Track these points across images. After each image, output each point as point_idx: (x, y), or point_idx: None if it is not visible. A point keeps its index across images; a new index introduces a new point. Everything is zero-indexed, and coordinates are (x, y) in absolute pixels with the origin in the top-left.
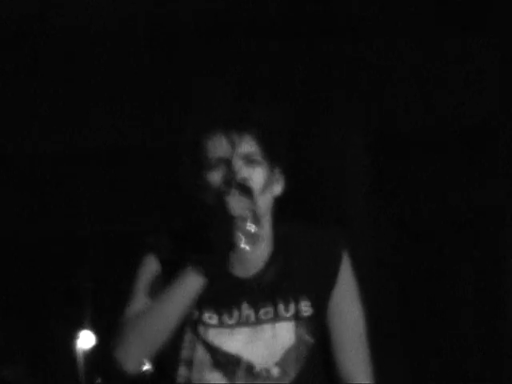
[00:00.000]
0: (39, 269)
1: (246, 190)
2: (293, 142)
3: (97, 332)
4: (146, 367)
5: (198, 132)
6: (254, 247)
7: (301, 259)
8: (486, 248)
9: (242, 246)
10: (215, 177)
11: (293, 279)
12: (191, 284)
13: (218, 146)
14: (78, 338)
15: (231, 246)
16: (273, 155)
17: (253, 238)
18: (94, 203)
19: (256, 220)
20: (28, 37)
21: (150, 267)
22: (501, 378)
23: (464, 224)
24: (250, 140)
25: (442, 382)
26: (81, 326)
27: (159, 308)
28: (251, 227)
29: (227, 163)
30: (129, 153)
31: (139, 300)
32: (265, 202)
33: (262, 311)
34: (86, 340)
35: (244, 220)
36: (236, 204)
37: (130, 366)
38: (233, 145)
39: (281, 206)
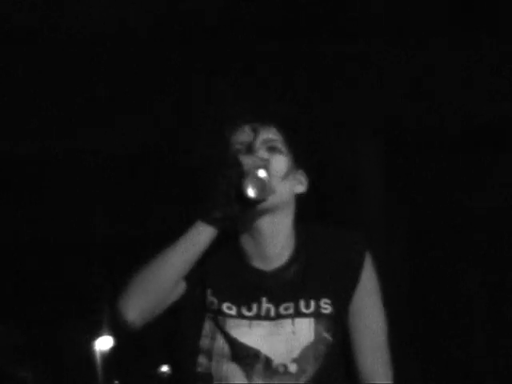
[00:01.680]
0: (58, 273)
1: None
2: (312, 143)
3: (115, 335)
4: (165, 369)
5: (224, 127)
6: (262, 195)
7: (323, 258)
8: (500, 249)
9: (250, 192)
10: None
11: (314, 277)
12: (197, 234)
13: (242, 134)
14: (96, 340)
15: (239, 193)
16: (294, 147)
17: (261, 185)
18: (112, 207)
19: (267, 180)
20: (30, 39)
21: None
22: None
23: (478, 226)
24: (272, 129)
25: (451, 382)
26: (99, 329)
27: (164, 257)
28: (261, 173)
29: (249, 147)
30: (141, 157)
31: None
32: (284, 192)
33: (282, 306)
34: (104, 342)
35: (254, 168)
36: (249, 160)
37: (130, 315)
38: (255, 131)
39: (302, 208)
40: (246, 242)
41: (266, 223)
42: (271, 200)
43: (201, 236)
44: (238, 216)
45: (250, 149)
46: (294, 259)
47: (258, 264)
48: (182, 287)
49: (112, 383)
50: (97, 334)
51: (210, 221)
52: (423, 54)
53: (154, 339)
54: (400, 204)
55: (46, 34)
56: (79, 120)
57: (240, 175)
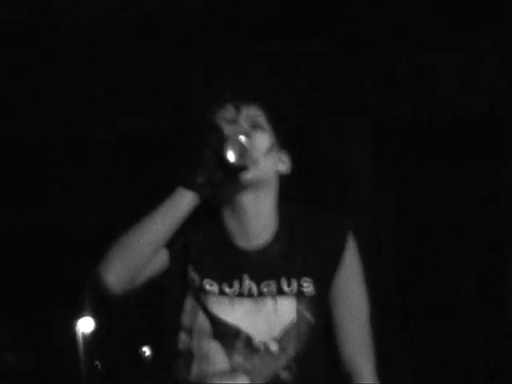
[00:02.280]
0: (41, 259)
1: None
2: (297, 126)
3: (96, 318)
4: (146, 349)
5: (210, 107)
6: (242, 161)
7: (306, 238)
8: (488, 243)
9: (229, 155)
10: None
11: (297, 257)
12: (178, 199)
13: (226, 112)
14: (78, 323)
15: (219, 157)
16: (277, 126)
17: (241, 150)
18: (91, 196)
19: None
20: (30, 37)
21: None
22: (503, 378)
23: (465, 218)
24: (255, 107)
25: (442, 376)
26: (81, 312)
27: (144, 222)
28: (242, 139)
29: (232, 121)
30: (134, 145)
31: None
32: (267, 168)
33: (263, 284)
34: (85, 324)
35: (235, 134)
36: (230, 127)
37: (110, 279)
38: (238, 108)
39: (286, 191)
40: (229, 219)
41: (248, 200)
42: (253, 173)
43: (181, 202)
44: (219, 183)
45: (233, 122)
46: (276, 238)
47: (240, 242)
48: (162, 260)
49: (93, 364)
50: (78, 316)
51: (191, 186)
52: (425, 48)
53: (135, 320)
54: (388, 189)
55: (45, 32)
56: (79, 117)
57: (221, 140)
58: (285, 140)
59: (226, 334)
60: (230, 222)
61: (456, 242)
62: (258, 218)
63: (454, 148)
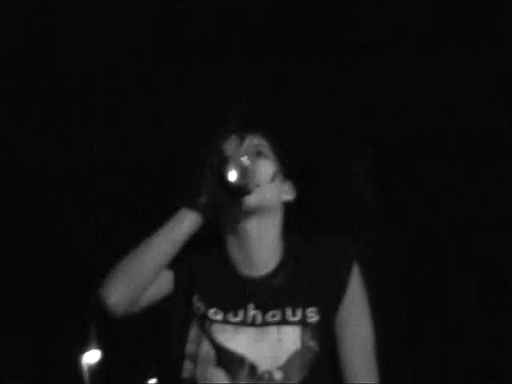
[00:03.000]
0: (48, 288)
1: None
2: (300, 152)
3: (102, 349)
4: (152, 382)
5: (213, 138)
6: (243, 181)
7: (311, 266)
8: (491, 257)
9: (230, 176)
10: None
11: (302, 285)
12: (181, 220)
13: (230, 144)
14: (84, 354)
15: (221, 177)
16: (281, 155)
17: (242, 171)
18: (103, 219)
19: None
20: (30, 45)
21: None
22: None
23: (468, 233)
24: (259, 137)
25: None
26: (87, 343)
27: (147, 242)
28: (244, 160)
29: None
30: (132, 167)
31: None
32: (271, 195)
33: (269, 313)
34: (92, 356)
35: (237, 154)
36: (233, 147)
37: (112, 299)
38: (242, 139)
39: (290, 217)
40: (234, 247)
41: (252, 227)
42: (257, 199)
43: (184, 223)
44: (222, 204)
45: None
46: (281, 267)
47: (245, 271)
48: (166, 283)
49: None
50: (85, 348)
51: (193, 207)
52: (426, 63)
53: (142, 352)
54: (391, 212)
55: (43, 37)
56: (74, 127)
57: (223, 160)
58: (289, 170)
59: (231, 363)
60: (235, 251)
61: (461, 262)
62: (262, 246)
63: (458, 167)
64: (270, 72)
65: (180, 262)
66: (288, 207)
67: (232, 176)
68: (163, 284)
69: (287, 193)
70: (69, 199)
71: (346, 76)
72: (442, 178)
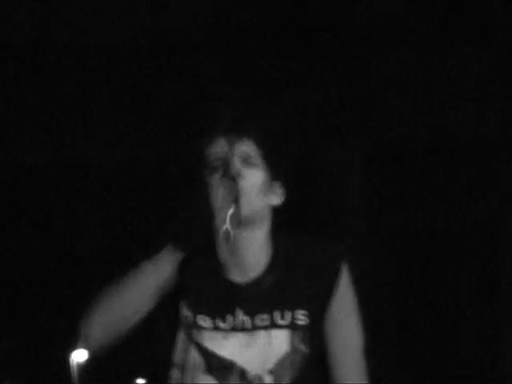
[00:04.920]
0: (37, 285)
1: (233, 180)
2: (297, 154)
3: (90, 350)
4: (141, 381)
5: (203, 139)
6: (237, 230)
7: (300, 269)
8: (484, 258)
9: (224, 229)
10: (217, 178)
11: (290, 288)
12: (166, 259)
13: (219, 148)
14: (72, 353)
15: (211, 226)
16: (272, 161)
17: (226, 237)
18: (95, 219)
19: (241, 210)
20: (29, 49)
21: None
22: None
23: (461, 235)
24: (249, 142)
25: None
26: (75, 342)
27: (128, 282)
28: (225, 227)
29: (225, 162)
30: (133, 167)
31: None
32: (259, 206)
33: (257, 317)
34: (80, 355)
35: (228, 205)
36: (221, 194)
37: (93, 332)
38: (231, 145)
39: (279, 219)
40: (221, 253)
41: (240, 234)
42: (245, 211)
43: (170, 262)
44: (205, 245)
45: (226, 169)
46: (269, 270)
47: (232, 276)
48: (152, 302)
49: None
50: (73, 347)
51: (181, 246)
52: (422, 67)
53: (131, 351)
54: (382, 212)
55: (41, 45)
56: (75, 130)
57: (209, 216)
58: (280, 172)
59: (220, 368)
60: (222, 256)
61: (452, 262)
62: (249, 251)
63: (449, 169)
64: (267, 73)
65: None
66: (277, 209)
67: (225, 228)
68: (149, 304)
69: (276, 196)
70: (68, 196)
71: (344, 77)
72: (434, 179)
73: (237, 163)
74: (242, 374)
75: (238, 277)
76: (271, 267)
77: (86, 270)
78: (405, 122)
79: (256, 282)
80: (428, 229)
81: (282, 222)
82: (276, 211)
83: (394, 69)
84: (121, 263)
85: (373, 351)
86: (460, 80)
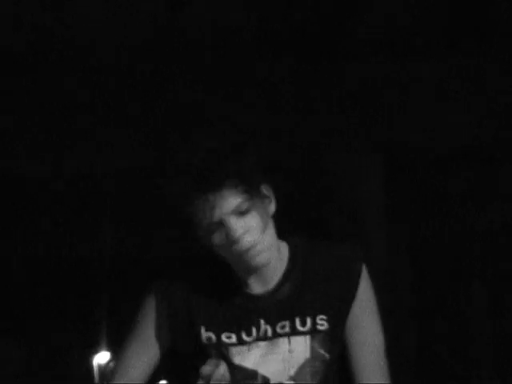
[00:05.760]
0: (58, 289)
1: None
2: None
3: (113, 351)
4: (163, 382)
5: (178, 197)
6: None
7: (318, 274)
8: (498, 261)
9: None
10: (218, 238)
11: (310, 294)
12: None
13: (205, 212)
14: (94, 355)
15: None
16: (254, 189)
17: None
18: (114, 226)
19: None
20: (30, 52)
21: (152, 311)
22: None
23: (478, 241)
24: (230, 194)
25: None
26: (97, 345)
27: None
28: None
29: (221, 224)
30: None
31: (131, 349)
32: (268, 234)
33: (278, 325)
34: (102, 358)
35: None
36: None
37: None
38: (216, 207)
39: (296, 223)
40: (235, 269)
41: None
42: (262, 253)
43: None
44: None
45: (229, 234)
46: (286, 277)
47: (250, 289)
48: (167, 343)
49: None
50: (95, 350)
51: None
52: (435, 74)
53: None
54: (401, 219)
55: (40, 48)
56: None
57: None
58: (258, 187)
59: (244, 378)
60: (237, 272)
61: (472, 269)
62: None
63: (467, 177)
64: (281, 79)
65: (171, 306)
66: (301, 218)
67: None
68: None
69: (270, 205)
70: (74, 205)
71: (356, 83)
72: (451, 184)
73: (236, 224)
74: (265, 382)
75: (257, 289)
76: (289, 274)
77: (103, 274)
78: (425, 130)
79: (274, 291)
80: (447, 232)
81: (300, 230)
82: (276, 211)
83: (408, 76)
84: (130, 268)
85: (392, 354)
86: (474, 88)
